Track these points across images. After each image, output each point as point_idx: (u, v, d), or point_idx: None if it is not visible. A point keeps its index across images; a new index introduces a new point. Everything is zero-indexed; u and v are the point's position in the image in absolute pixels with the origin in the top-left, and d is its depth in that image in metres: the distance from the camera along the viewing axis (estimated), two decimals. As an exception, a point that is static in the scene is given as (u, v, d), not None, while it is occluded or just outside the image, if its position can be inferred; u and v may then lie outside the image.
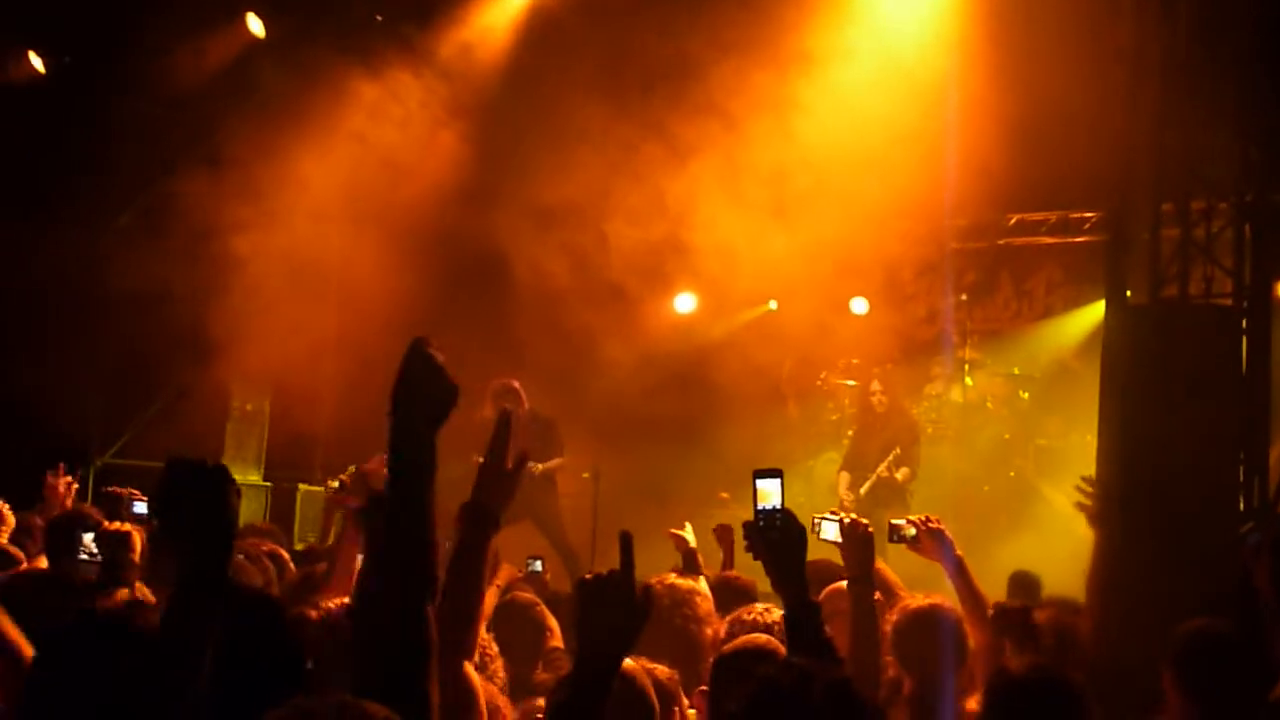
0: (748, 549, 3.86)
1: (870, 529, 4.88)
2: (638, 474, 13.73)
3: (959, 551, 5.71)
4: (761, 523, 3.84)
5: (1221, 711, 4.68)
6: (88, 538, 6.03)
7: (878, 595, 4.95)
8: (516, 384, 12.66)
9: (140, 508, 7.14)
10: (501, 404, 12.88)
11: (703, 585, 5.71)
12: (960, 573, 5.61)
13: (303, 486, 13.73)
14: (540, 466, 12.54)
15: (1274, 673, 4.88)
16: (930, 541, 5.73)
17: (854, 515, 4.96)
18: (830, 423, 14.31)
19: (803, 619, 3.72)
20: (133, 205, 12.75)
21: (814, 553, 4.26)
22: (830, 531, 5.09)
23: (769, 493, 3.87)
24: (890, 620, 5.13)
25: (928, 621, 5.07)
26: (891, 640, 5.08)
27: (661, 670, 4.38)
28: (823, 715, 2.79)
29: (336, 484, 7.30)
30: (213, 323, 12.05)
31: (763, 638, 4.33)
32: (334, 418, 13.51)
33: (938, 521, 5.82)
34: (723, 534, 7.43)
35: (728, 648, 4.45)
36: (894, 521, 5.99)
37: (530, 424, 12.83)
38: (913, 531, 5.79)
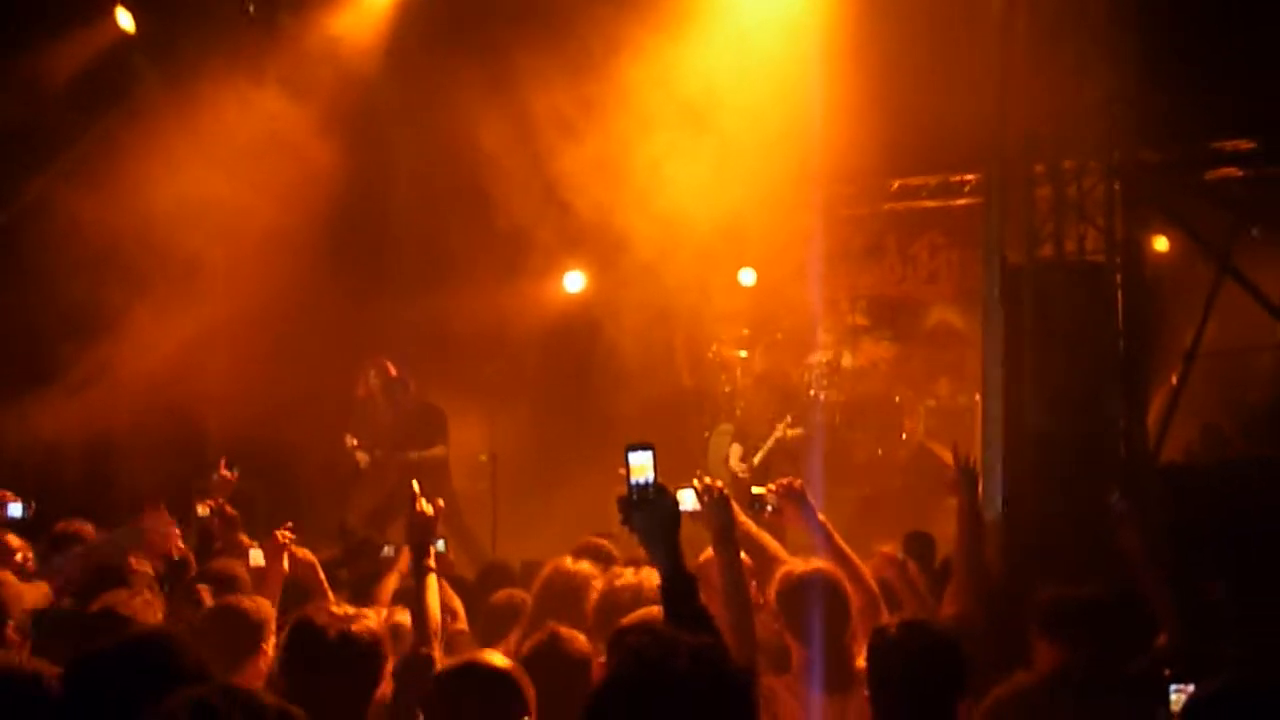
0: (622, 522, 3.89)
1: (725, 491, 4.88)
2: (535, 454, 13.75)
3: (821, 516, 5.73)
4: (635, 496, 3.85)
5: (1094, 661, 4.81)
6: None
7: (748, 561, 4.96)
8: (391, 369, 12.71)
9: (14, 510, 6.97)
10: (390, 392, 12.94)
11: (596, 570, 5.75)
12: (824, 535, 5.63)
13: (197, 483, 13.56)
14: (416, 455, 12.54)
15: (1147, 628, 5.05)
16: (791, 505, 5.76)
17: (709, 480, 4.89)
18: (724, 394, 14.41)
19: (678, 590, 3.77)
20: (6, 206, 12.47)
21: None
22: (688, 500, 5.11)
23: (641, 466, 3.87)
24: (775, 587, 5.16)
25: (810, 585, 5.08)
26: (777, 605, 5.12)
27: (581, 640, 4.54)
28: (689, 683, 2.83)
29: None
30: (91, 323, 11.88)
31: (656, 610, 4.38)
32: (222, 409, 13.37)
33: (796, 482, 5.83)
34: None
35: (624, 621, 4.50)
36: (754, 491, 5.97)
37: (415, 413, 12.83)
38: (773, 499, 5.79)
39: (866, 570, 5.59)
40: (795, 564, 5.23)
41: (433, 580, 4.98)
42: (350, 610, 4.24)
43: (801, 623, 5.00)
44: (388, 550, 7.79)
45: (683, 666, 2.84)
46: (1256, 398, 11.73)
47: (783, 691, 4.99)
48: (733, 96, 11.28)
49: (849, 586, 5.16)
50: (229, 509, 7.10)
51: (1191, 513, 7.59)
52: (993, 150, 8.70)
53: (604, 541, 6.82)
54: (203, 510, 7.26)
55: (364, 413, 13.11)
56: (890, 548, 6.40)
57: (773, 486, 5.84)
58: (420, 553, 5.04)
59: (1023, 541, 7.85)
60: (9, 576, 5.47)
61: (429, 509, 5.09)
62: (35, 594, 5.72)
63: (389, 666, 4.26)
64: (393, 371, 12.87)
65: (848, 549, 5.61)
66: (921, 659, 4.20)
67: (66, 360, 11.95)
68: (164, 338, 12.05)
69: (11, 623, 5.02)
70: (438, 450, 12.75)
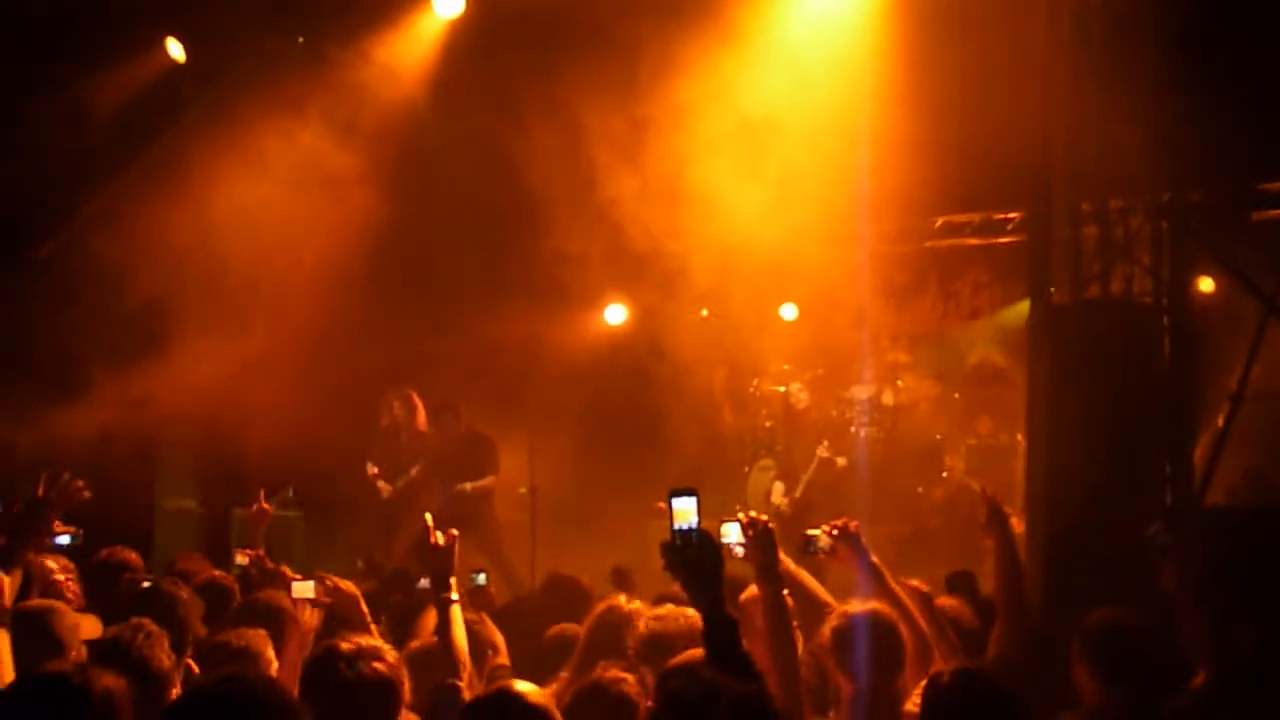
0: (665, 568, 3.88)
1: (771, 524, 4.87)
2: (575, 488, 13.75)
3: (875, 558, 5.72)
4: (678, 542, 3.85)
5: (1130, 698, 4.77)
6: None
7: (791, 600, 4.95)
8: (417, 401, 12.80)
9: (64, 539, 6.91)
10: (439, 423, 13.01)
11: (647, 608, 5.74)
12: (877, 577, 5.62)
13: (237, 511, 13.63)
14: (470, 486, 12.62)
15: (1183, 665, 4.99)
16: (845, 547, 5.73)
17: (753, 513, 4.91)
18: (765, 430, 14.38)
19: (721, 636, 3.76)
20: (54, 235, 12.59)
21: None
22: (733, 534, 5.08)
23: (685, 512, 3.87)
24: (830, 625, 5.15)
25: (865, 624, 5.07)
26: (831, 644, 5.10)
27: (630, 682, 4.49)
28: None
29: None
30: (139, 347, 11.97)
31: (698, 653, 4.37)
32: (264, 438, 13.43)
33: (852, 524, 5.80)
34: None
35: (671, 663, 4.49)
36: (808, 533, 5.94)
37: (466, 443, 12.91)
38: (827, 541, 5.76)
39: (920, 614, 5.56)
40: (852, 603, 5.22)
41: (457, 611, 4.96)
42: (369, 643, 4.17)
43: (852, 660, 4.98)
44: (423, 583, 7.78)
45: (723, 715, 2.83)
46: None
47: None
48: (779, 132, 11.30)
49: (903, 629, 5.14)
50: (269, 562, 7.05)
51: (1230, 555, 7.51)
52: (1038, 189, 8.66)
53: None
54: (242, 559, 7.25)
55: (386, 442, 13.18)
56: (918, 582, 6.35)
57: (827, 528, 5.82)
58: (441, 584, 5.04)
59: (1064, 583, 7.77)
60: (63, 607, 5.46)
61: (442, 539, 5.08)
62: (89, 625, 5.69)
63: (403, 701, 4.19)
64: (418, 403, 12.98)
65: (901, 592, 5.60)
66: (977, 709, 4.17)
67: (106, 385, 12.03)
68: (207, 366, 12.14)
69: (71, 654, 5.00)
70: (488, 481, 12.84)
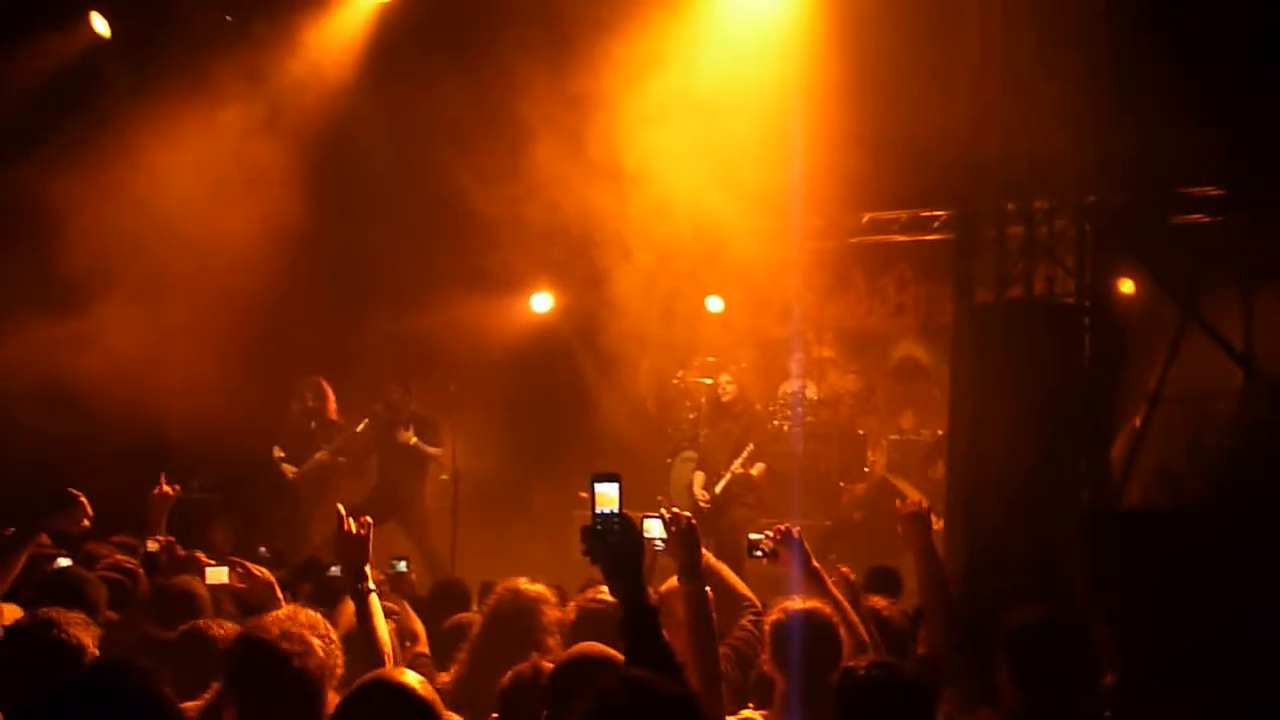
0: (584, 553, 3.86)
1: (692, 520, 4.88)
2: (497, 475, 13.70)
3: (815, 563, 5.75)
4: (599, 527, 3.83)
5: (1047, 699, 4.82)
6: None
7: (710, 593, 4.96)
8: (327, 389, 12.82)
9: None
10: (389, 396, 12.98)
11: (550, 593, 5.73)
12: (818, 581, 5.63)
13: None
14: (414, 439, 12.62)
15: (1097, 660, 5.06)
16: (786, 551, 5.75)
17: (675, 509, 4.90)
18: (688, 421, 14.41)
19: (640, 624, 3.75)
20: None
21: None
22: (655, 529, 5.08)
23: (607, 497, 3.84)
24: (769, 620, 5.15)
25: (802, 621, 5.07)
26: (769, 640, 5.10)
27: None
28: None
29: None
30: (60, 319, 11.79)
31: (597, 648, 4.35)
32: (185, 418, 13.28)
33: (794, 529, 5.81)
34: None
35: (565, 655, 4.47)
36: (751, 537, 6.01)
37: (416, 420, 12.94)
38: (770, 545, 5.81)
39: (857, 619, 5.58)
40: (792, 600, 5.22)
41: (374, 602, 4.81)
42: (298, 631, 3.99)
43: (788, 657, 4.98)
44: (334, 570, 7.68)
45: (654, 717, 2.81)
46: (1213, 442, 11.80)
47: None
48: (709, 122, 11.30)
49: (841, 630, 5.16)
50: (180, 550, 6.90)
51: (1129, 559, 7.65)
52: (964, 190, 8.75)
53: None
54: (152, 546, 7.10)
55: (296, 428, 13.11)
56: (845, 569, 6.37)
57: (770, 533, 5.86)
58: (356, 574, 4.86)
59: (984, 579, 7.86)
60: None
61: (356, 528, 4.91)
62: (9, 611, 5.55)
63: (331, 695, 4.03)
64: (328, 390, 12.96)
65: (842, 597, 5.62)
66: (887, 701, 4.21)
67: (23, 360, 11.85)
68: (126, 344, 11.97)
69: None
70: (434, 450, 12.82)
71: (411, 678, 3.80)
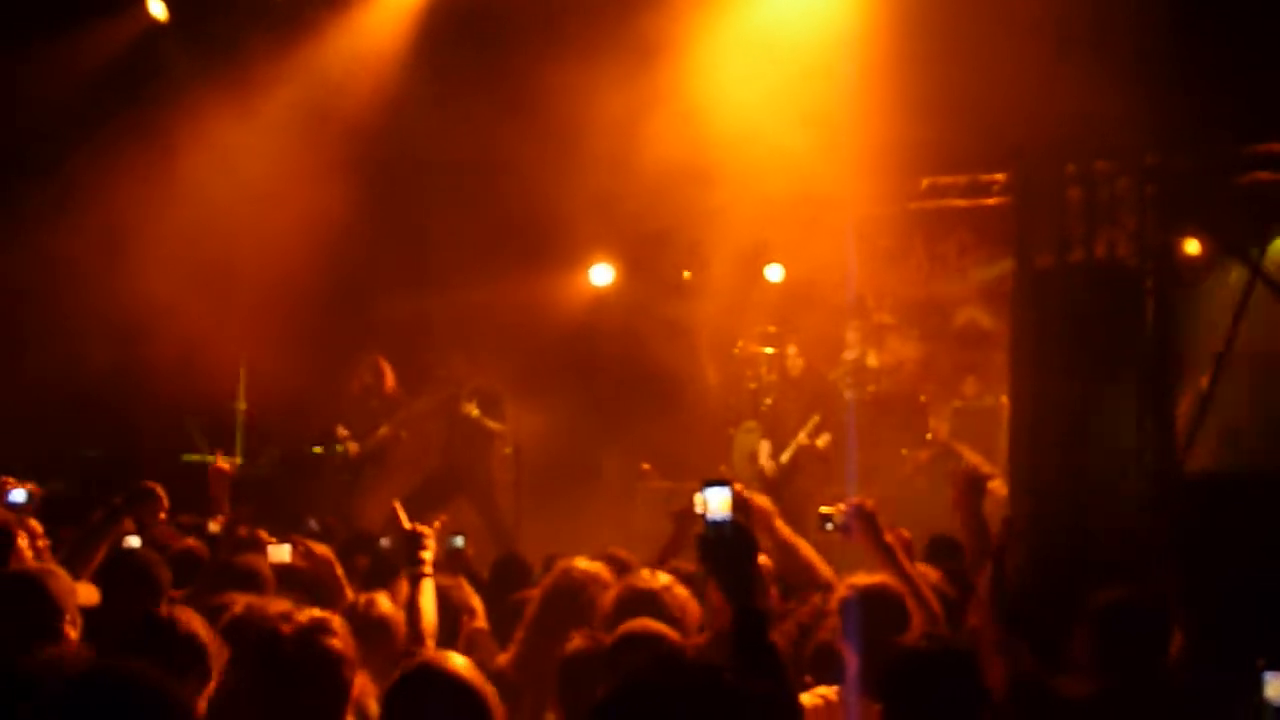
0: (700, 560, 3.85)
1: (755, 500, 4.87)
2: (559, 449, 13.74)
3: (889, 536, 5.70)
4: (711, 533, 3.79)
5: (1132, 674, 4.78)
6: None
7: (768, 563, 4.92)
8: (385, 367, 12.85)
9: (18, 495, 6.80)
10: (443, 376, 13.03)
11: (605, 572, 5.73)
12: (891, 555, 5.57)
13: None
14: (476, 411, 12.63)
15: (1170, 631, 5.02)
16: (859, 524, 5.71)
17: (738, 487, 4.86)
18: (749, 391, 14.35)
19: (748, 629, 3.72)
20: (42, 190, 12.52)
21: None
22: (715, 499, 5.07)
23: (718, 503, 3.79)
24: (837, 596, 5.14)
25: (877, 600, 5.06)
26: (837, 612, 5.08)
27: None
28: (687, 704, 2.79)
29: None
30: (128, 304, 11.94)
31: (653, 624, 4.35)
32: (250, 396, 13.43)
33: (867, 502, 5.78)
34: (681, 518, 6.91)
35: (620, 631, 4.47)
36: (823, 510, 5.98)
37: (481, 394, 12.97)
38: (841, 519, 5.78)
39: (929, 592, 5.55)
40: (859, 576, 5.19)
41: (428, 585, 4.89)
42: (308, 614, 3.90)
43: (856, 633, 4.96)
44: (384, 542, 7.71)
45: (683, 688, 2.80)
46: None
47: (834, 699, 4.98)
48: (762, 91, 11.25)
49: (911, 605, 5.13)
50: (242, 529, 6.95)
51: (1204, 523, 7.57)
52: (1023, 153, 8.64)
53: (624, 553, 6.79)
54: (214, 527, 7.18)
55: (356, 406, 13.15)
56: (903, 530, 6.31)
57: (842, 506, 5.83)
58: (414, 562, 4.97)
59: (1045, 548, 7.79)
60: (60, 570, 5.33)
61: (417, 526, 5.03)
62: (86, 592, 5.59)
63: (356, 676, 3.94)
64: (386, 368, 12.96)
65: (913, 570, 5.58)
66: (935, 674, 4.18)
67: (92, 345, 12.00)
68: (192, 324, 12.11)
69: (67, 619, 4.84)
70: (496, 425, 12.82)
71: (458, 661, 3.81)
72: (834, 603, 5.17)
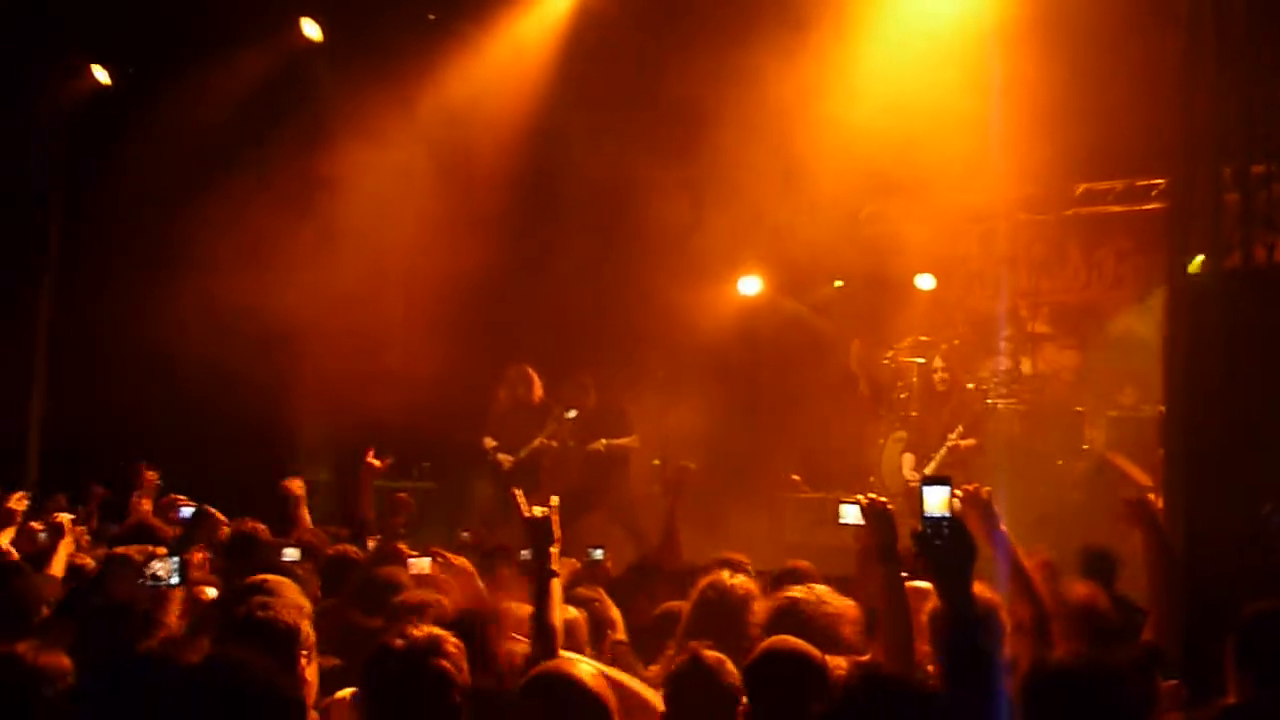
0: (916, 558, 3.82)
1: (890, 505, 4.78)
2: (708, 459, 13.70)
3: (1004, 527, 5.51)
4: (929, 531, 3.77)
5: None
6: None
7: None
8: (533, 376, 12.85)
9: (187, 512, 7.00)
10: (571, 394, 13.07)
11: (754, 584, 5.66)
12: (1006, 547, 5.39)
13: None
14: (605, 443, 12.68)
15: None
16: (975, 513, 5.52)
17: (872, 495, 4.84)
18: (900, 401, 14.20)
19: (963, 631, 3.67)
20: (186, 206, 12.87)
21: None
22: (850, 515, 4.99)
23: (936, 501, 3.80)
24: (927, 608, 5.03)
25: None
26: (927, 627, 4.98)
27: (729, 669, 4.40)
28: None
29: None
30: (275, 320, 12.20)
31: (793, 641, 4.29)
32: (399, 406, 13.63)
33: (983, 490, 5.57)
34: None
35: (763, 646, 4.41)
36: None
37: (601, 414, 12.98)
38: (956, 506, 5.60)
39: (1043, 587, 5.42)
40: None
41: (556, 586, 4.81)
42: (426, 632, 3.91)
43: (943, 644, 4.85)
44: (525, 554, 7.74)
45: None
46: None
47: None
48: (916, 100, 11.15)
49: (1002, 613, 4.99)
50: (401, 544, 7.02)
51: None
52: (1177, 156, 8.41)
53: (739, 556, 6.74)
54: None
55: (504, 417, 13.20)
56: (1044, 550, 6.13)
57: (959, 492, 5.69)
58: (542, 557, 4.87)
59: (1203, 564, 7.55)
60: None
61: (539, 512, 4.93)
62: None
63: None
64: (534, 377, 12.99)
65: (1027, 564, 5.45)
66: (1080, 695, 4.02)
67: (247, 357, 12.27)
68: (342, 333, 12.34)
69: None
70: (626, 440, 12.86)
71: (584, 670, 3.81)
72: (923, 616, 5.02)
